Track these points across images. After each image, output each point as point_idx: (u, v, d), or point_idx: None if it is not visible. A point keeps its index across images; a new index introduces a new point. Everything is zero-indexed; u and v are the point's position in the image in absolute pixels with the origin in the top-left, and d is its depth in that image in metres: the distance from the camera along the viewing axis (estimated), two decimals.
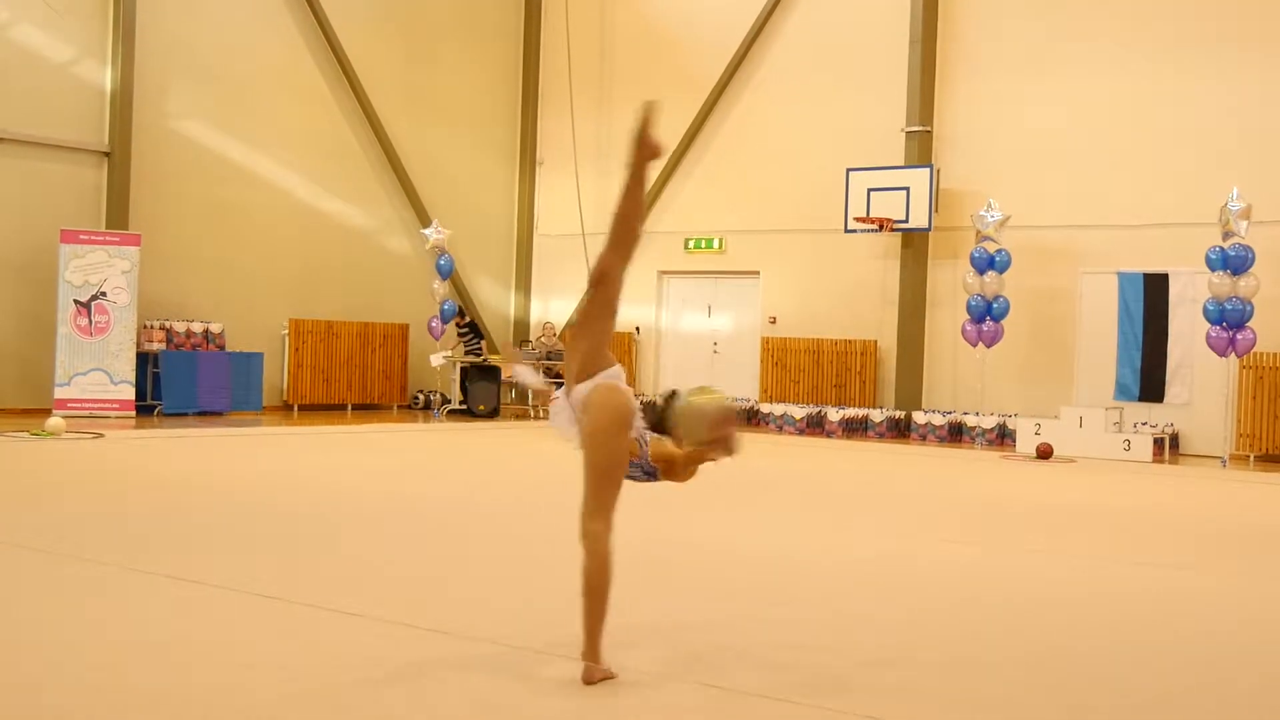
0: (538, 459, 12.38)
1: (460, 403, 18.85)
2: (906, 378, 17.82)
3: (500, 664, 4.36)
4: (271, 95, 18.16)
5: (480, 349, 18.98)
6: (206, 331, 16.91)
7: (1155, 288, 16.26)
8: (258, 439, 13.75)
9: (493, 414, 18.57)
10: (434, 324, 18.79)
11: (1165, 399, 16.21)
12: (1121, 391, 16.43)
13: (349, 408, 18.63)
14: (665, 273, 20.29)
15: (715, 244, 19.90)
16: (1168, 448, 15.53)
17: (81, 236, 15.72)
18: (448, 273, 18.86)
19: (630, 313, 19.91)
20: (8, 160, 15.72)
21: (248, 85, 17.89)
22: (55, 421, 12.92)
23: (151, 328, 16.49)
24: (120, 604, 5.26)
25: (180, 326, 16.74)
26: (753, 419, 18.37)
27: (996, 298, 16.59)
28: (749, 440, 4.23)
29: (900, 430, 17.39)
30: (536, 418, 18.75)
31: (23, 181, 15.85)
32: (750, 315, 19.62)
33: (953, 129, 17.79)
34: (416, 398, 19.59)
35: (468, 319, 19.25)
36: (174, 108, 17.17)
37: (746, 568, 6.66)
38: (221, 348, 16.96)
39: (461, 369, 18.93)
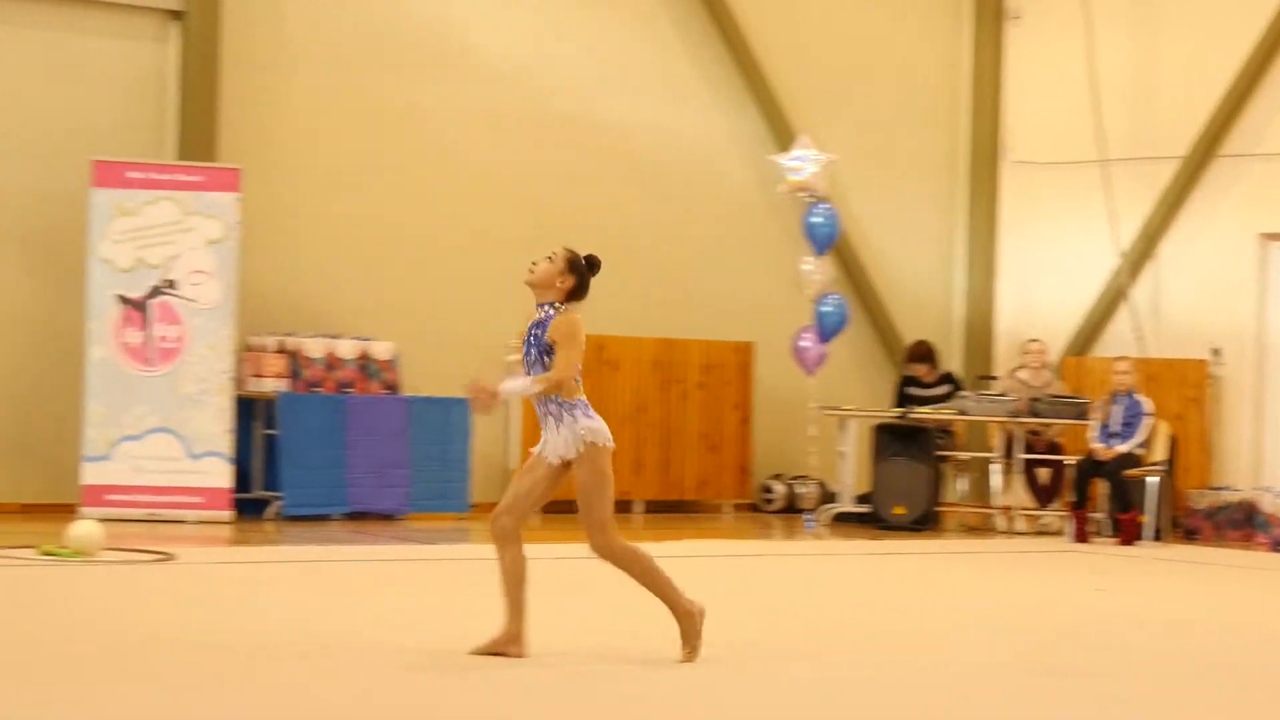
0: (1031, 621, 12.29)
1: (860, 500, 19.24)
2: None
3: None
4: None
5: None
6: (365, 358, 17.75)
7: None
8: (458, 572, 14.22)
9: (921, 523, 18.90)
10: (803, 343, 19.21)
11: None
12: None
13: (637, 508, 19.45)
14: (1276, 237, 20.39)
15: None
16: None
17: (130, 174, 16.62)
18: (829, 237, 19.25)
19: (1194, 319, 20.43)
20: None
21: None
22: (86, 529, 13.54)
23: (262, 349, 17.25)
24: None
25: (316, 347, 17.52)
26: None
27: None
28: None
29: None
30: (1012, 532, 19.28)
31: (33, 75, 16.91)
32: None
33: None
34: (770, 490, 20.25)
35: (940, 370, 20.12)
36: None
37: None
38: (393, 389, 17.79)
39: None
